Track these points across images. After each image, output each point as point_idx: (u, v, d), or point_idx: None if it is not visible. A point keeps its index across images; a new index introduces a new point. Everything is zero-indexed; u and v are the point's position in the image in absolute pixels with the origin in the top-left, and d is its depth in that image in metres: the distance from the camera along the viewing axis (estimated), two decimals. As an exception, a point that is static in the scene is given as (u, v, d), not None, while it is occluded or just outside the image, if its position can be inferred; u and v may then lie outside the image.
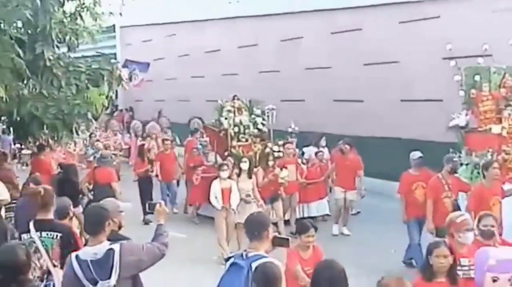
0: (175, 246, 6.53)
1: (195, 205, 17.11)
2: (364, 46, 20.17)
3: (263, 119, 17.53)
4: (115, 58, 18.78)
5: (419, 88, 18.46)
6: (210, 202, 13.81)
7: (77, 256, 5.56)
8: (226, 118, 17.23)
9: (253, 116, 17.59)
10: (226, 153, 16.64)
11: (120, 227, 6.33)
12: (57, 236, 7.04)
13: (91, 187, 14.15)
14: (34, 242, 6.83)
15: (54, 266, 6.85)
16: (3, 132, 14.63)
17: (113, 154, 19.37)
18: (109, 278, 5.44)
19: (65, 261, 6.23)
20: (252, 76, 25.42)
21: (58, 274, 6.62)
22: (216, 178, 13.76)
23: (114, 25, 32.92)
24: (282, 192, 15.10)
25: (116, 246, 5.54)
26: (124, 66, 22.02)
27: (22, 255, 5.18)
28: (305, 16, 23.04)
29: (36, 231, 6.96)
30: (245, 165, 13.85)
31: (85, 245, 5.98)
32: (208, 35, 28.36)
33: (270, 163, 14.98)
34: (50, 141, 13.44)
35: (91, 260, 5.48)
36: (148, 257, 5.74)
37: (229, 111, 17.35)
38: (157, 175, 17.80)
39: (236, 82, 26.35)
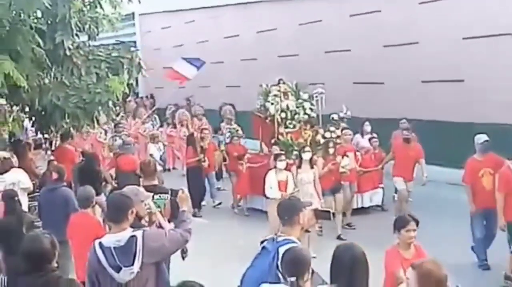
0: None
1: (244, 197, 16.27)
2: (383, 28, 20.07)
3: (311, 104, 16.39)
4: (135, 46, 18.79)
5: (438, 68, 18.34)
6: (263, 194, 13.47)
7: (100, 243, 5.60)
8: (272, 103, 16.16)
9: (300, 100, 16.43)
10: (273, 141, 15.71)
11: (139, 217, 6.35)
12: (167, 197, 8.52)
13: (114, 175, 14.24)
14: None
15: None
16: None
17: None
18: (132, 264, 5.47)
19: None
20: (271, 61, 25.36)
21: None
22: (265, 167, 13.69)
23: (133, 13, 32.90)
24: (344, 182, 14.07)
25: (138, 233, 5.57)
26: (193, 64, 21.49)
27: (47, 243, 5.23)
28: (323, 0, 22.96)
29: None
30: (307, 155, 12.68)
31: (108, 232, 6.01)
32: (226, 21, 28.35)
33: (331, 151, 13.61)
34: (72, 130, 13.49)
35: (114, 247, 5.50)
36: (171, 243, 5.74)
37: (275, 95, 16.29)
38: None
39: (255, 67, 26.35)
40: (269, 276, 5.37)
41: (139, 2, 14.11)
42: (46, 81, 11.77)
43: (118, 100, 12.41)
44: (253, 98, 22.09)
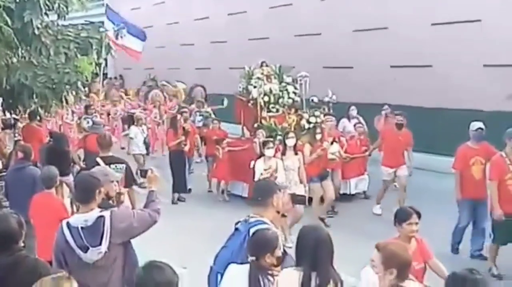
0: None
1: (225, 183, 15.43)
2: (354, 12, 20.16)
3: (295, 88, 15.88)
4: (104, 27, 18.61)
5: (408, 53, 18.47)
6: (243, 179, 13.60)
7: (68, 223, 5.58)
8: (255, 87, 15.55)
9: (283, 84, 15.92)
10: (255, 125, 15.25)
11: (108, 197, 6.34)
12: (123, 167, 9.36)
13: (82, 155, 14.15)
14: None
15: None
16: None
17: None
18: (100, 244, 5.47)
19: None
20: (241, 44, 25.38)
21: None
22: (246, 152, 13.72)
23: (103, -7, 32.67)
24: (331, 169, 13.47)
25: (106, 213, 5.56)
26: (109, 18, 21.01)
27: (14, 223, 5.20)
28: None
29: (106, 164, 8.84)
30: (291, 141, 12.08)
31: (75, 212, 6.00)
32: (197, 3, 28.28)
33: (318, 136, 12.97)
34: (40, 110, 13.39)
35: (81, 227, 5.49)
36: (139, 223, 5.73)
37: (258, 78, 15.66)
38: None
39: (226, 49, 26.35)
40: (240, 256, 5.40)
41: (109, -18, 14.04)
42: (14, 60, 11.62)
43: (87, 80, 12.32)
44: (222, 80, 22.19)
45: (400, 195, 13.41)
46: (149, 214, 5.85)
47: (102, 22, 26.71)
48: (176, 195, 15.19)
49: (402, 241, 6.28)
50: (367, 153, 14.99)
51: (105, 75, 31.49)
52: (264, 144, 12.15)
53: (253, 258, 5.09)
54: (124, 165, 9.69)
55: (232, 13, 26.17)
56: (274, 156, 11.89)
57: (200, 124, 18.23)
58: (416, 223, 6.57)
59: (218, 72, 26.08)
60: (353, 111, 16.56)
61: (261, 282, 5.03)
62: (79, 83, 11.89)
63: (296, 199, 6.43)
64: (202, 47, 28.18)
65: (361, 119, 16.09)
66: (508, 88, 15.81)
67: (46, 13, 11.74)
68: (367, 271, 5.14)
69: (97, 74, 12.75)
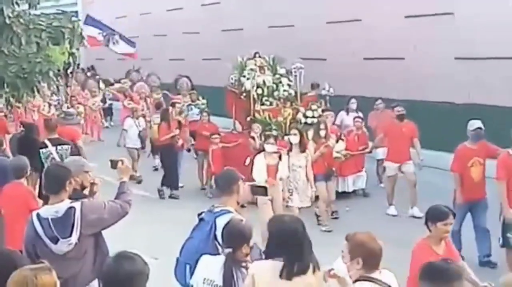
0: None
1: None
2: (328, 4, 20.19)
3: (289, 80, 15.38)
4: (76, 16, 18.45)
5: (381, 46, 18.54)
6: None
7: (38, 215, 5.55)
8: (248, 78, 14.96)
9: (277, 76, 15.41)
10: (248, 119, 14.73)
11: (83, 187, 6.30)
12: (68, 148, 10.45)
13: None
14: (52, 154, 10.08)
15: None
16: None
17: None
18: (70, 236, 5.45)
19: None
20: (214, 35, 25.34)
21: None
22: (240, 147, 13.60)
23: (75, -18, 32.48)
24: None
25: (77, 204, 5.54)
26: (86, 23, 20.86)
27: None
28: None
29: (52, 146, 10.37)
30: (295, 139, 11.35)
31: (45, 203, 5.95)
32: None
33: (322, 133, 12.32)
34: (12, 99, 13.25)
35: (52, 218, 5.47)
36: (110, 215, 5.72)
37: (252, 70, 15.06)
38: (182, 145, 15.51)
39: (199, 40, 26.27)
40: (207, 247, 5.42)
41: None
42: (-15, 49, 11.50)
43: (59, 70, 12.23)
44: (196, 71, 22.12)
45: (410, 194, 12.88)
46: (120, 206, 5.84)
47: (76, 12, 26.53)
48: (165, 188, 14.77)
49: (432, 241, 6.13)
50: (367, 150, 14.48)
51: (77, 65, 31.28)
52: (264, 139, 11.62)
53: (230, 249, 5.10)
54: (69, 147, 10.84)
55: (206, 4, 26.10)
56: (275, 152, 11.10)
57: (198, 117, 17.38)
58: (451, 224, 6.30)
59: (192, 63, 26.00)
60: (353, 105, 16.01)
61: (234, 275, 5.04)
62: (51, 73, 11.78)
63: (256, 191, 6.42)
64: (175, 38, 28.09)
65: (360, 113, 15.58)
66: (480, 80, 15.93)
67: (17, 3, 11.65)
68: (338, 262, 5.12)
69: (69, 64, 12.63)
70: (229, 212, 5.62)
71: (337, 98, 16.20)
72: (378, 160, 14.99)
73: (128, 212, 5.89)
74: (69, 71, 20.25)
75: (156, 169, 17.12)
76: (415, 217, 12.03)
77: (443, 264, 4.34)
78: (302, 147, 11.40)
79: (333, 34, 19.97)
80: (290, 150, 11.42)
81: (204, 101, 18.46)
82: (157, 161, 17.06)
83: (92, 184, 6.35)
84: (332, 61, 20.06)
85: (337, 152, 12.72)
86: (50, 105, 19.02)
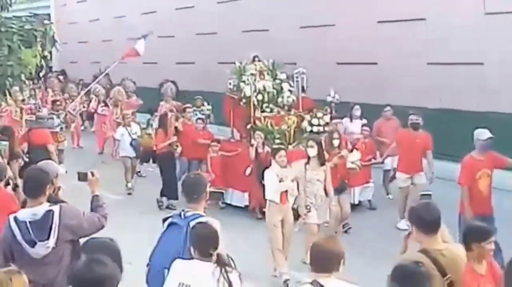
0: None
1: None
2: (302, 9, 20.27)
3: (290, 85, 14.64)
4: (49, 19, 18.29)
5: (355, 51, 18.64)
6: (236, 187, 13.38)
7: (15, 218, 5.52)
8: (247, 84, 14.13)
9: (277, 81, 14.59)
10: (248, 127, 14.00)
11: (55, 190, 6.27)
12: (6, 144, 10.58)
13: (25, 149, 13.91)
14: None
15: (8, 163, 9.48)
16: None
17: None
18: (48, 239, 5.42)
19: None
20: (189, 38, 25.30)
21: None
22: (240, 157, 13.28)
23: (48, -15, 32.29)
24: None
25: (55, 208, 5.52)
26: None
27: None
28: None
29: None
30: (312, 151, 10.31)
31: (23, 207, 5.91)
32: (144, -4, 28.07)
33: (335, 142, 11.46)
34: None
35: (29, 221, 5.44)
36: (88, 224, 5.70)
37: (252, 74, 14.27)
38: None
39: (173, 44, 26.21)
40: (185, 250, 5.40)
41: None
42: (-44, 52, 11.43)
43: (31, 73, 12.17)
44: (170, 75, 22.01)
45: (404, 206, 12.14)
46: (98, 219, 5.83)
47: (48, 15, 26.26)
48: (165, 199, 14.11)
49: (473, 261, 5.39)
50: (378, 160, 13.88)
51: (49, 68, 31.11)
52: (274, 152, 10.29)
53: (216, 251, 5.12)
54: (7, 143, 11.17)
55: (180, 8, 26.04)
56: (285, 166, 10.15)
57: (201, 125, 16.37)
58: (493, 242, 5.62)
59: (165, 67, 25.93)
60: (357, 111, 15.27)
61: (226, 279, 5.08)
62: (22, 76, 11.74)
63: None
64: (149, 41, 27.93)
65: (365, 121, 15.01)
66: (450, 86, 16.09)
67: (-12, 5, 11.58)
68: None
69: (42, 67, 12.57)
70: (201, 215, 5.63)
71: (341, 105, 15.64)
72: (385, 171, 14.41)
73: (104, 226, 5.86)
74: (41, 74, 20.10)
75: (140, 175, 16.90)
76: (400, 229, 11.43)
77: (413, 266, 4.41)
78: (321, 160, 10.43)
79: (307, 38, 20.01)
80: (307, 162, 10.45)
81: (210, 106, 17.92)
82: (142, 168, 16.93)
83: (58, 188, 6.31)
84: (304, 65, 20.10)
85: (352, 162, 11.75)
86: (22, 109, 18.68)
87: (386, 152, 13.55)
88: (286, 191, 9.90)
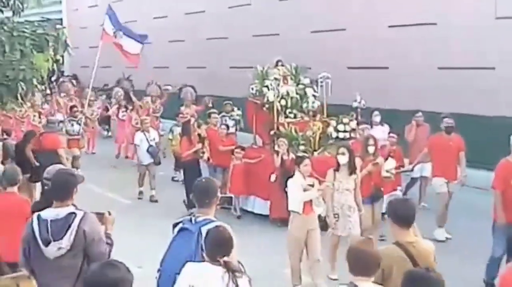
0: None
1: (236, 197, 13.56)
2: (313, 13, 20.28)
3: (314, 90, 14.18)
4: (61, 24, 18.35)
5: (366, 55, 18.63)
6: (258, 195, 13.07)
7: (38, 216, 5.55)
8: (270, 89, 13.71)
9: (300, 86, 14.23)
10: (272, 133, 13.59)
11: None
12: None
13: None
14: None
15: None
16: None
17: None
18: (62, 238, 5.42)
19: None
20: (199, 43, 25.35)
21: None
22: (263, 163, 12.91)
23: (60, -10, 32.44)
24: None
25: (79, 212, 5.54)
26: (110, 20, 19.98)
27: None
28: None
29: None
30: (343, 159, 9.86)
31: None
32: (155, 1, 28.11)
33: (370, 149, 10.80)
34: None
35: (51, 220, 5.48)
36: (100, 245, 5.64)
37: (276, 79, 13.90)
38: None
39: (184, 48, 26.27)
40: (197, 255, 5.39)
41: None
42: (-32, 56, 11.47)
43: (42, 78, 12.21)
44: (180, 80, 22.00)
45: (444, 213, 11.85)
46: (108, 251, 5.79)
47: (60, 19, 26.32)
48: (191, 211, 13.55)
49: None
50: (408, 167, 13.40)
51: (61, 72, 31.22)
52: (299, 160, 9.84)
53: (226, 258, 5.09)
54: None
55: (191, 12, 26.09)
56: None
57: (233, 129, 16.27)
58: None
59: (176, 71, 25.98)
60: (377, 117, 14.69)
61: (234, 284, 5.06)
62: (34, 80, 11.77)
63: (222, 199, 6.30)
64: (160, 45, 28.04)
65: (386, 127, 14.41)
66: (462, 89, 16.05)
67: (1, 10, 11.64)
68: None
69: (54, 72, 12.60)
70: (213, 221, 5.61)
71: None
72: (413, 178, 14.03)
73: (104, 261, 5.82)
74: (53, 78, 20.09)
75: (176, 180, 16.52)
76: (438, 241, 10.89)
77: (424, 272, 4.39)
78: (351, 168, 9.94)
79: (318, 43, 20.00)
80: (336, 170, 9.98)
81: (239, 112, 17.29)
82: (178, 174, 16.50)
83: None
84: (316, 69, 20.08)
85: (387, 171, 11.16)
86: (40, 114, 18.55)
87: (417, 159, 13.04)
88: (311, 200, 9.46)
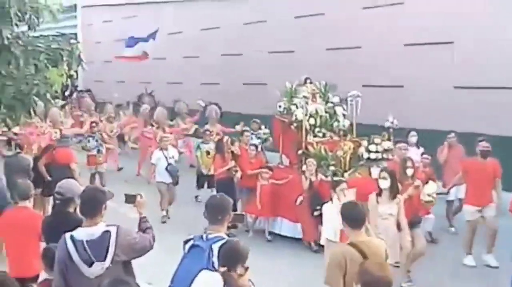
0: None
1: (266, 219, 13.17)
2: (328, 30, 20.27)
3: (344, 109, 13.82)
4: (75, 39, 18.32)
5: (381, 73, 18.57)
6: (287, 217, 12.55)
7: (72, 237, 5.51)
8: (298, 107, 13.40)
9: (329, 104, 13.89)
10: (300, 152, 13.13)
11: (76, 209, 6.23)
12: None
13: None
14: None
15: None
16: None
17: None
18: (105, 259, 5.42)
19: None
20: (213, 59, 25.42)
21: None
22: (291, 184, 12.39)
23: (75, 5, 32.62)
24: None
25: (112, 228, 5.54)
26: (128, 45, 19.95)
27: None
28: (268, 0, 23.06)
29: None
30: (385, 183, 9.35)
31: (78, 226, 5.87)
32: (169, 17, 28.24)
33: (409, 171, 10.38)
34: (9, 121, 13.19)
35: (86, 241, 5.45)
36: (140, 246, 5.74)
37: (305, 97, 13.47)
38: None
39: (198, 64, 26.33)
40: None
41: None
42: (-18, 70, 11.48)
43: (56, 92, 12.20)
44: (194, 95, 21.97)
45: (488, 240, 11.30)
46: (149, 241, 5.88)
47: (75, 34, 26.34)
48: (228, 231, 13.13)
49: None
50: (443, 190, 12.65)
51: (75, 87, 31.32)
52: (335, 184, 9.55)
53: (224, 268, 5.10)
54: None
55: (206, 28, 26.16)
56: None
57: (259, 148, 15.58)
58: None
59: (190, 87, 26.01)
60: (413, 138, 14.19)
61: None
62: (48, 95, 11.76)
63: (234, 218, 6.21)
64: (174, 61, 28.11)
65: (422, 149, 13.69)
66: (479, 109, 15.94)
67: (16, 24, 11.64)
68: None
69: (67, 86, 12.60)
70: (223, 238, 5.60)
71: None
72: (448, 201, 13.54)
73: (153, 248, 5.89)
74: (66, 93, 20.09)
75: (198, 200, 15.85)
76: (490, 267, 10.87)
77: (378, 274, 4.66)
78: (394, 193, 9.43)
79: (333, 60, 19.96)
80: (378, 195, 9.48)
81: (267, 130, 16.69)
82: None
83: None
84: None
85: (428, 195, 10.36)
86: (61, 131, 18.34)
87: (451, 182, 12.53)
88: None
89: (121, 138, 22.64)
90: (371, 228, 7.69)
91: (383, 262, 5.40)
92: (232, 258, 5.16)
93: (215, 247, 5.45)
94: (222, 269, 5.09)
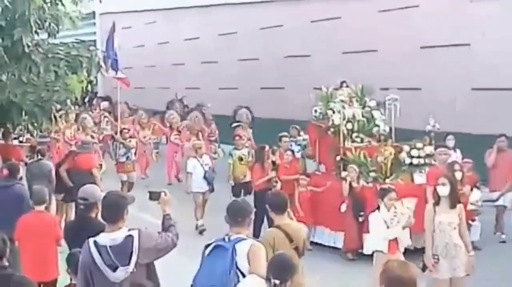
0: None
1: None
2: (344, 34, 20.31)
3: (381, 113, 13.31)
4: (95, 45, 18.37)
5: (398, 76, 18.57)
6: (325, 225, 12.07)
7: (95, 242, 5.55)
8: (334, 112, 12.84)
9: (366, 108, 13.36)
10: (338, 158, 12.53)
11: (97, 214, 6.32)
12: None
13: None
14: None
15: None
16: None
17: None
18: (129, 264, 5.46)
19: None
20: (231, 64, 25.49)
21: None
22: (329, 192, 11.89)
23: (94, 12, 32.81)
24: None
25: (134, 232, 5.56)
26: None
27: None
28: (284, 4, 23.13)
29: None
30: (444, 190, 8.34)
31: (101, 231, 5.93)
32: (187, 23, 28.38)
33: (458, 175, 9.86)
34: (30, 127, 13.35)
35: (110, 246, 5.48)
36: (163, 245, 5.75)
37: (342, 101, 12.98)
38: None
39: (216, 69, 26.42)
40: (232, 271, 5.46)
41: (100, 1, 14.09)
42: (4, 77, 11.65)
43: (76, 99, 12.36)
44: (212, 100, 22.04)
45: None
46: (172, 239, 5.84)
47: (94, 41, 26.46)
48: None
49: None
50: (492, 197, 12.18)
51: (94, 94, 31.51)
52: (383, 192, 8.99)
53: (277, 281, 5.10)
54: None
55: (223, 34, 26.27)
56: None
57: (299, 155, 14.82)
58: None
59: (208, 92, 26.10)
60: (450, 142, 13.36)
61: None
62: (68, 101, 11.92)
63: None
64: (192, 67, 28.24)
65: (459, 152, 13.27)
66: (495, 111, 15.91)
67: (36, 32, 11.81)
68: None
69: (87, 93, 12.74)
70: (245, 239, 5.67)
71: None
72: (497, 206, 12.50)
73: (176, 245, 5.87)
74: (86, 99, 20.12)
75: None
76: None
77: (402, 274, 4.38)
78: (453, 201, 8.45)
79: (349, 64, 19.99)
80: (436, 203, 8.51)
81: (306, 136, 15.22)
82: None
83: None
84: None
85: (472, 203, 10.12)
86: (93, 137, 18.04)
87: (503, 189, 11.86)
88: (396, 238, 8.62)
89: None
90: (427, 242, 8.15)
91: (407, 262, 4.84)
92: (285, 270, 5.16)
93: (238, 247, 5.51)
94: (276, 282, 5.07)
